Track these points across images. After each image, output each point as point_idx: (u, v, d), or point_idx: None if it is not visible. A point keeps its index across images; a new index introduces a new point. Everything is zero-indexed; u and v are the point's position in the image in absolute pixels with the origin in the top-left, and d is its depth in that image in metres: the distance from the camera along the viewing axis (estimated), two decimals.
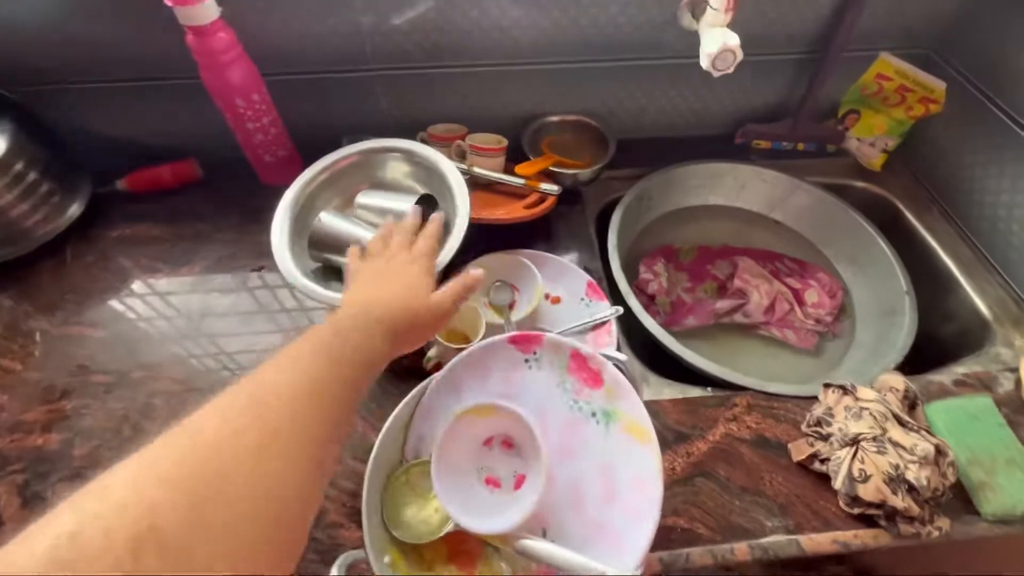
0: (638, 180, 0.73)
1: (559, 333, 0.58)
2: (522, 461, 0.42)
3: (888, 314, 0.65)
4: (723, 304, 0.70)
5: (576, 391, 0.43)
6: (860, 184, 0.78)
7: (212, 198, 0.72)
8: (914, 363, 0.59)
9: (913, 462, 0.45)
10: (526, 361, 0.45)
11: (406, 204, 0.53)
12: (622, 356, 0.46)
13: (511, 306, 0.60)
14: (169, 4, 0.53)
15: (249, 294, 0.62)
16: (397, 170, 0.59)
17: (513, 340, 0.45)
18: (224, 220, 0.69)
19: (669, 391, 0.56)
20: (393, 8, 0.62)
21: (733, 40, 0.55)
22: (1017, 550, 0.70)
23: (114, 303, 0.62)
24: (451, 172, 0.55)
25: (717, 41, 0.55)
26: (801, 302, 0.70)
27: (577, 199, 0.73)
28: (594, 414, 0.42)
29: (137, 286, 0.63)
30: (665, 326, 0.68)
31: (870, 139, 0.76)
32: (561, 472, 0.42)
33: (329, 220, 0.53)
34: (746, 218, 0.81)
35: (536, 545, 0.38)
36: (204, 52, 0.57)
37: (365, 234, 0.53)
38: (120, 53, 0.64)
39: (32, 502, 0.47)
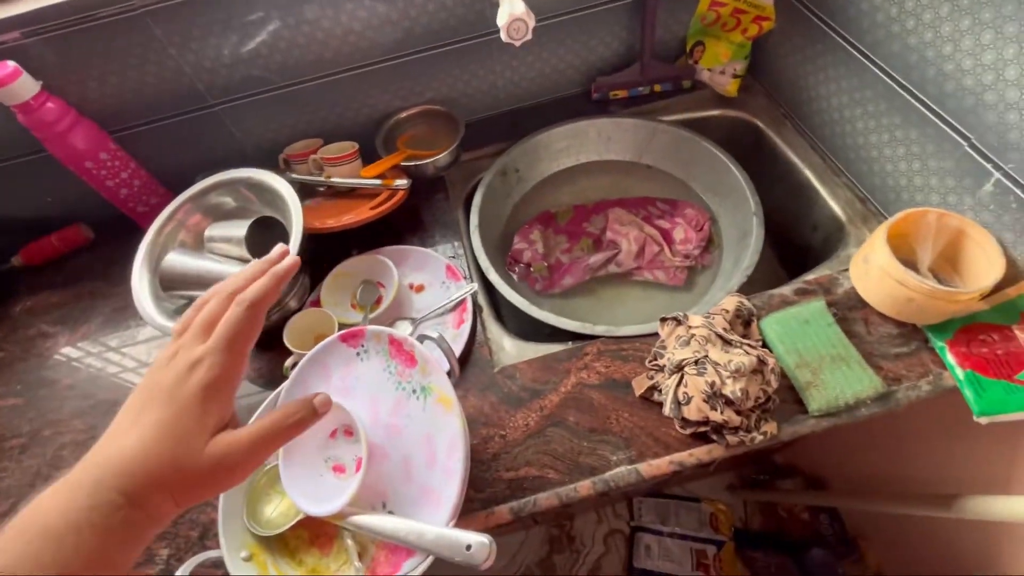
0: (499, 155, 0.76)
1: (423, 318, 0.62)
2: (360, 445, 0.46)
3: (743, 237, 0.67)
4: (596, 258, 0.73)
5: (399, 373, 0.47)
6: (721, 112, 0.79)
7: (103, 257, 0.76)
8: (795, 275, 0.61)
9: (728, 377, 0.47)
10: (357, 354, 0.49)
11: (239, 229, 0.56)
12: (433, 334, 0.49)
13: (378, 302, 0.63)
14: None
15: (137, 347, 0.66)
16: (238, 198, 0.62)
17: (342, 338, 0.49)
18: (116, 275, 0.73)
19: (531, 351, 0.59)
20: (240, 37, 0.63)
21: (519, 8, 0.56)
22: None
23: (24, 371, 0.66)
24: (283, 187, 0.58)
25: (505, 13, 0.56)
26: (670, 241, 0.73)
27: (442, 187, 0.75)
28: (415, 391, 0.46)
29: (43, 352, 0.68)
30: (544, 290, 0.72)
31: (720, 67, 0.77)
32: (394, 448, 0.46)
33: (174, 259, 0.57)
34: (619, 168, 0.82)
35: (361, 520, 0.42)
36: (38, 126, 0.60)
37: (213, 265, 0.57)
38: None
39: None
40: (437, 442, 0.44)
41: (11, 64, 0.56)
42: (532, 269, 0.73)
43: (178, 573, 0.40)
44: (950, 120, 0.50)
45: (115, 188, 0.68)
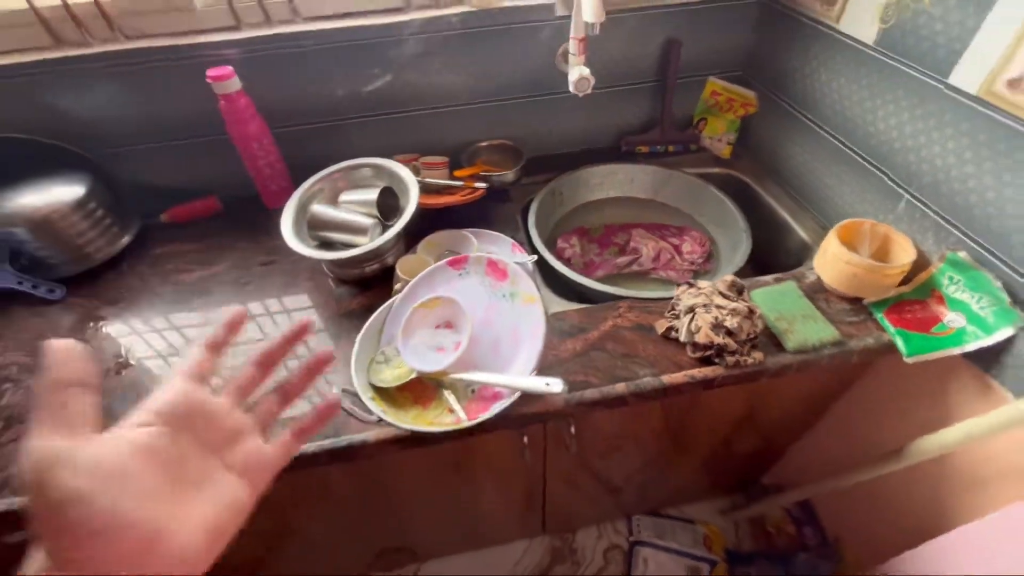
0: (550, 181, 0.99)
1: None
2: (459, 335, 0.62)
3: (736, 247, 0.88)
4: (622, 259, 0.93)
5: (493, 285, 0.65)
6: (718, 170, 1.05)
7: (230, 222, 0.95)
8: None
9: (727, 314, 0.66)
10: (459, 275, 0.67)
11: (372, 193, 0.76)
12: (522, 258, 0.67)
13: None
14: (210, 82, 0.79)
15: (256, 283, 0.83)
16: (369, 176, 0.84)
17: (449, 263, 0.67)
18: (241, 235, 0.92)
19: (574, 307, 0.76)
20: (361, 83, 0.89)
21: (585, 71, 0.82)
22: None
23: (159, 292, 0.82)
24: (403, 172, 0.80)
25: (576, 73, 0.82)
26: (680, 252, 0.94)
27: (506, 198, 0.98)
28: (504, 296, 0.64)
29: (176, 281, 0.84)
30: None
31: (717, 136, 1.04)
32: (485, 335, 0.62)
33: (319, 208, 0.76)
34: (639, 204, 1.06)
35: (467, 374, 0.57)
36: (231, 112, 0.83)
37: (346, 216, 0.76)
38: (164, 120, 0.89)
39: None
40: (522, 328, 0.61)
41: (228, 68, 0.80)
42: (572, 263, 0.93)
43: (334, 390, 0.54)
44: (876, 164, 0.74)
45: (263, 168, 0.89)
